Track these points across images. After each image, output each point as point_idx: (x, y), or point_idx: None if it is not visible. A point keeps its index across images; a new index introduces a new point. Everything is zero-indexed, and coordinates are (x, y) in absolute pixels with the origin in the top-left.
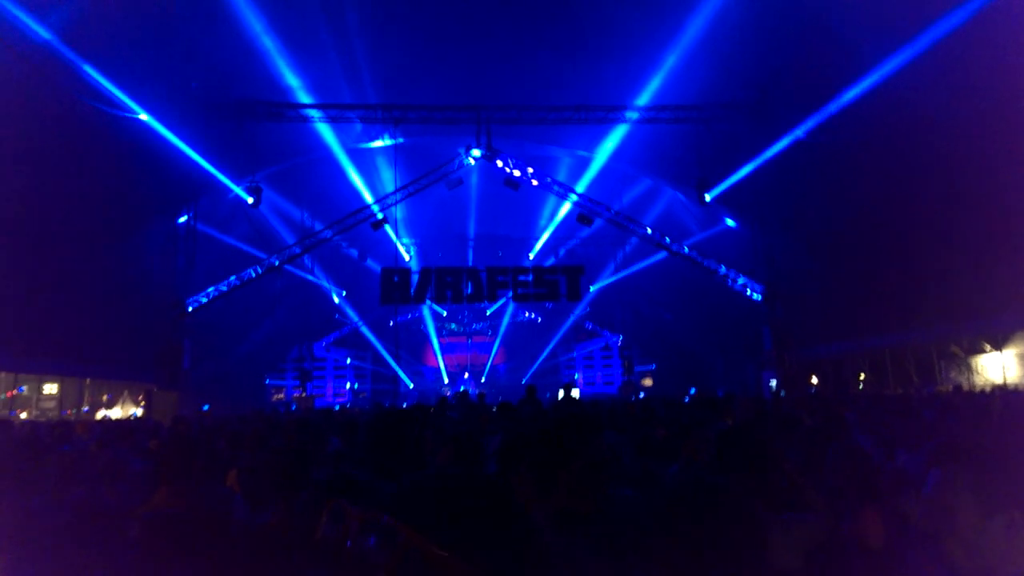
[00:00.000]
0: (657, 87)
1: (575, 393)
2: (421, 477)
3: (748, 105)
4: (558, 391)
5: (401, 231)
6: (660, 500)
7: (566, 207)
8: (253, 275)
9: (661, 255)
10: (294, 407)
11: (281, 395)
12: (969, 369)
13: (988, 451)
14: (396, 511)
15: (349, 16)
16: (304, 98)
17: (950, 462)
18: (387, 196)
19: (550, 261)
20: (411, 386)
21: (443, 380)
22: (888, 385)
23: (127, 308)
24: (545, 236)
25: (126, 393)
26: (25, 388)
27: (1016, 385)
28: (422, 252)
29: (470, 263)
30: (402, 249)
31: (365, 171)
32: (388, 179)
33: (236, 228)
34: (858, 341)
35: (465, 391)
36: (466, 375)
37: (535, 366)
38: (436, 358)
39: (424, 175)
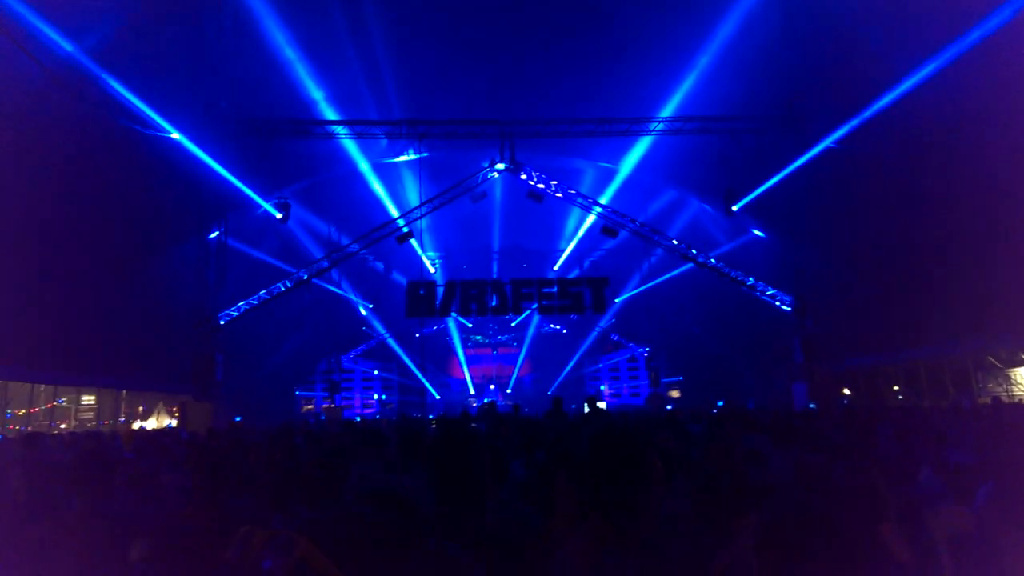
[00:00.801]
0: (683, 98)
1: (601, 405)
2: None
3: (777, 115)
4: (584, 403)
5: (426, 244)
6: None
7: (590, 219)
8: (282, 289)
9: (687, 266)
10: (323, 418)
11: (311, 406)
12: (1008, 381)
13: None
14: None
15: (374, 34)
16: (330, 115)
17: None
18: (412, 210)
19: (574, 273)
20: (437, 397)
21: (469, 391)
22: (924, 397)
23: (161, 322)
24: (569, 248)
25: (161, 405)
26: (64, 400)
27: None
28: (447, 265)
29: (495, 275)
30: (427, 262)
31: (390, 185)
32: (413, 193)
33: (265, 243)
34: (891, 353)
35: (492, 402)
36: (492, 386)
37: (561, 377)
38: (462, 369)
39: (449, 189)
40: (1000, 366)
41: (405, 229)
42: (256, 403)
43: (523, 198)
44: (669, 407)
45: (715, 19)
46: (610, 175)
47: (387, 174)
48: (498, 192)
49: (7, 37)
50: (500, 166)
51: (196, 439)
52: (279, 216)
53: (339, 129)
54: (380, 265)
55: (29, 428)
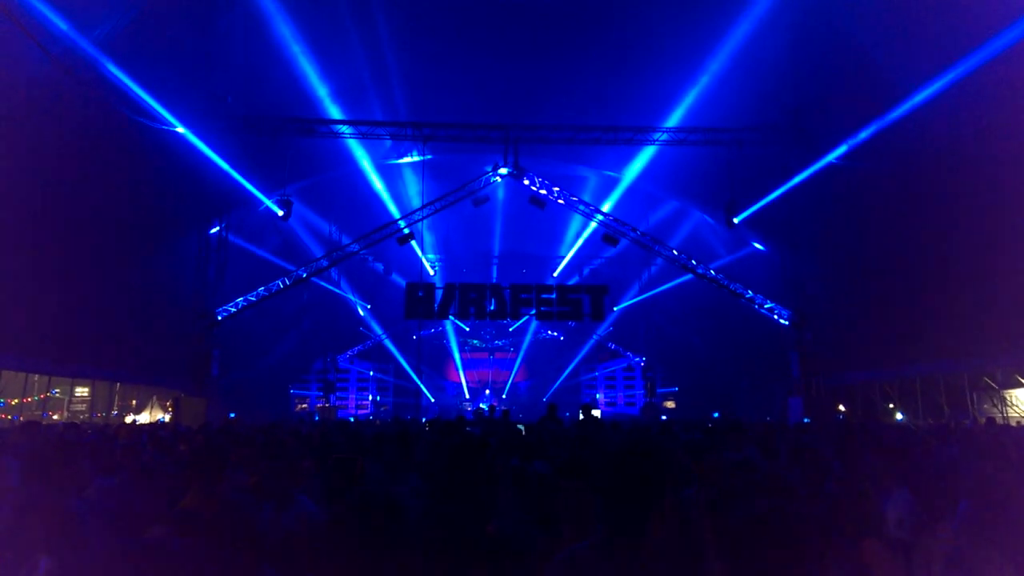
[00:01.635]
0: (687, 109)
1: (596, 413)
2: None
3: (779, 128)
4: (578, 411)
5: (427, 247)
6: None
7: (591, 226)
8: (281, 286)
9: (687, 277)
10: (316, 417)
11: (305, 405)
12: (1003, 402)
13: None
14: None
15: (382, 36)
16: (335, 114)
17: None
18: (414, 212)
19: (574, 280)
20: (432, 400)
21: (464, 395)
22: (918, 415)
23: (158, 316)
24: (570, 255)
25: (155, 399)
26: (58, 391)
27: None
28: (447, 268)
29: (494, 280)
30: (427, 264)
31: (393, 186)
32: (415, 195)
33: (266, 240)
34: (888, 369)
35: (492, 407)
36: (487, 391)
37: (556, 384)
38: (458, 373)
39: (451, 192)
40: (996, 387)
41: (406, 230)
42: (251, 400)
43: (525, 204)
44: (664, 417)
45: (722, 32)
46: (613, 183)
47: (390, 175)
48: (500, 197)
49: (14, 24)
50: (503, 171)
51: (191, 434)
52: (281, 213)
53: (344, 128)
54: (380, 266)
55: (22, 417)
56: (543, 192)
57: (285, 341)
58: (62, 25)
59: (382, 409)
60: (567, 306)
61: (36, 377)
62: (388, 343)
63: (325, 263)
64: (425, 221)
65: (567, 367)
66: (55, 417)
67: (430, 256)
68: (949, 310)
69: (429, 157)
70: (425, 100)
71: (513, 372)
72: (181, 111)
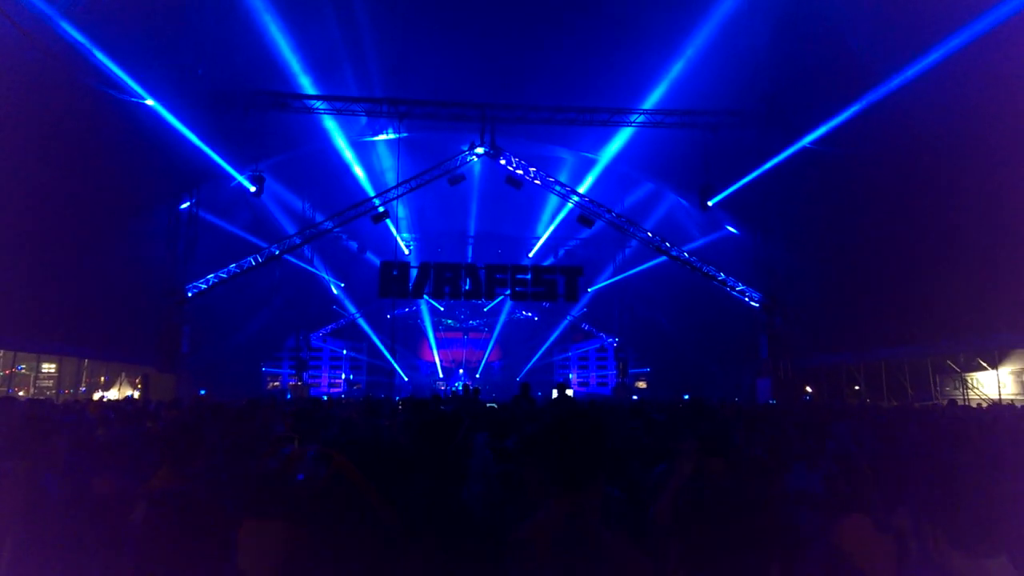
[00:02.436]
0: (664, 92)
1: (569, 392)
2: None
3: (755, 113)
4: (551, 390)
5: (402, 225)
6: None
7: (567, 208)
8: (253, 263)
9: (660, 259)
10: (288, 396)
11: (277, 383)
12: (964, 384)
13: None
14: None
15: (359, 10)
16: (310, 89)
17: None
18: (389, 190)
19: (549, 261)
20: (406, 379)
21: (438, 374)
22: (883, 397)
23: (127, 291)
24: (545, 236)
25: (123, 375)
26: (24, 367)
27: (1012, 401)
28: (422, 247)
29: (469, 260)
30: (402, 243)
31: (368, 164)
32: (390, 173)
33: (237, 216)
34: (854, 352)
35: (466, 386)
36: (461, 371)
37: (530, 364)
38: (432, 352)
39: (427, 171)
40: (958, 370)
41: (381, 209)
42: (221, 378)
43: (501, 184)
44: (635, 397)
45: (699, 13)
46: (589, 165)
47: (365, 152)
48: (476, 176)
49: None
50: (480, 150)
51: (161, 410)
52: (253, 189)
53: (318, 104)
54: (354, 244)
55: None
56: (519, 172)
57: (257, 318)
58: None
59: (355, 388)
60: (542, 287)
61: (1, 353)
62: (362, 322)
63: (298, 240)
64: (401, 200)
65: (541, 347)
66: (21, 393)
67: (405, 235)
68: (914, 295)
69: (405, 135)
70: (401, 77)
71: (487, 352)
72: (150, 83)
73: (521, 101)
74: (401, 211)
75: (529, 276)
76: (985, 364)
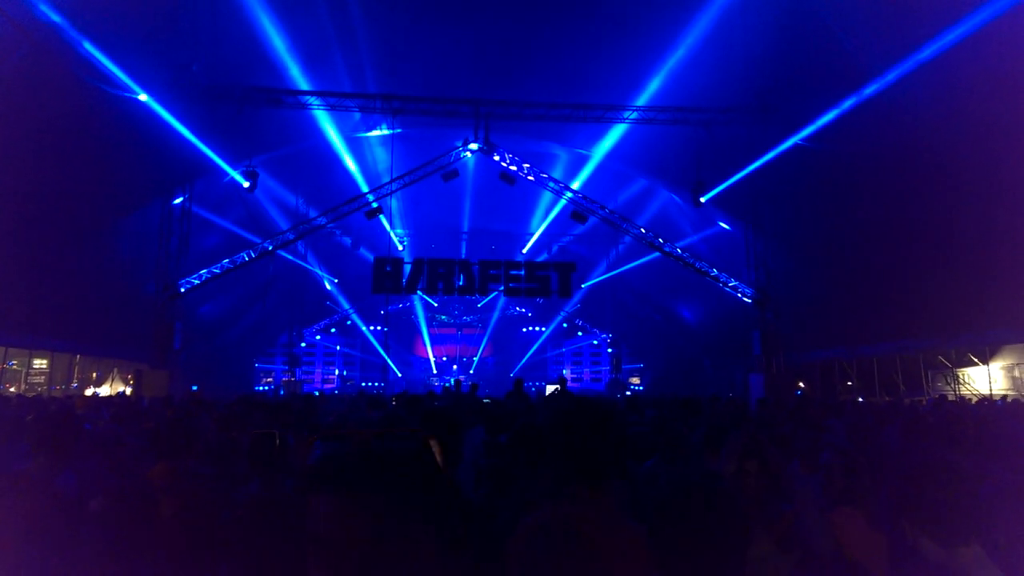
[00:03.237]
0: (657, 88)
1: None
2: None
3: (748, 109)
4: (545, 386)
5: (395, 221)
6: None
7: (561, 204)
8: (246, 259)
9: (654, 255)
10: (282, 392)
11: (270, 379)
12: (956, 380)
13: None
14: None
15: (351, 4)
16: (303, 85)
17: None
18: (383, 186)
19: (542, 257)
20: (399, 375)
21: (432, 370)
22: (875, 393)
23: (120, 287)
24: (539, 232)
25: (116, 371)
26: (15, 363)
27: (1004, 396)
28: (415, 243)
29: (463, 256)
30: (395, 239)
31: (361, 160)
32: (384, 168)
33: (231, 212)
34: (847, 348)
35: (459, 381)
36: (455, 367)
37: (523, 360)
38: (425, 348)
39: (420, 166)
40: (949, 366)
41: (374, 204)
42: (214, 374)
43: (495, 180)
44: (628, 393)
45: (693, 10)
46: (583, 161)
47: (358, 148)
48: (470, 172)
49: None
50: (474, 146)
51: (155, 408)
52: (246, 185)
53: (312, 100)
54: (347, 240)
55: None
56: (513, 168)
57: (250, 314)
58: None
59: (348, 384)
60: (535, 283)
61: None
62: (355, 318)
63: (291, 236)
64: (394, 195)
65: (534, 343)
66: (12, 390)
67: (398, 231)
68: (907, 293)
69: (399, 131)
70: (395, 73)
71: (481, 348)
72: (143, 78)
73: (515, 97)
74: (395, 207)
75: (523, 272)
76: (976, 360)
